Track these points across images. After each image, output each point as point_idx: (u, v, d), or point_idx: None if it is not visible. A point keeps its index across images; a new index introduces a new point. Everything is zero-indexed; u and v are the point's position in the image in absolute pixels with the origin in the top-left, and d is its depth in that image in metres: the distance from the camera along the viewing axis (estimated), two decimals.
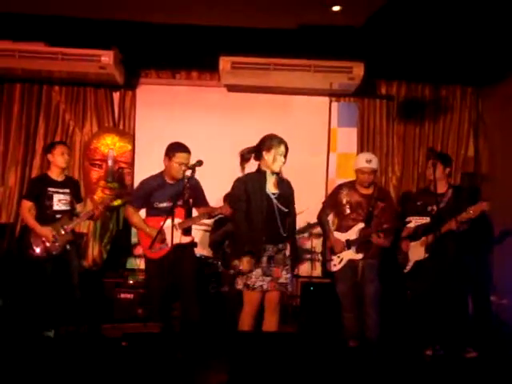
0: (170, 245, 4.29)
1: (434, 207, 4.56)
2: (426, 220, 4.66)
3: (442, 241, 4.51)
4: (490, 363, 4.71)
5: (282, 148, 4.17)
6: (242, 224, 4.13)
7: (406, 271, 4.95)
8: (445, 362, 4.53)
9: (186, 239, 4.64)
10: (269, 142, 4.20)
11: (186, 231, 4.69)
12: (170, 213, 4.23)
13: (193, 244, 4.85)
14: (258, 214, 4.08)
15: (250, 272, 4.06)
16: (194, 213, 4.89)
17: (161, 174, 4.71)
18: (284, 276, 4.12)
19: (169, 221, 4.26)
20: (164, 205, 4.58)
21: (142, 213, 4.81)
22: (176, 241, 4.40)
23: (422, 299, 4.89)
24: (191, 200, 4.64)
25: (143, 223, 4.67)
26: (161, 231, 4.31)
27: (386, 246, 4.88)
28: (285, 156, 4.20)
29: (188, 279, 4.66)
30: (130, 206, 4.81)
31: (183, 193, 4.30)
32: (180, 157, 4.56)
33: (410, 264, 4.92)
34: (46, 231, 4.96)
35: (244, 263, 4.06)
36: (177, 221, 4.45)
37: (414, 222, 4.65)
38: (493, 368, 4.59)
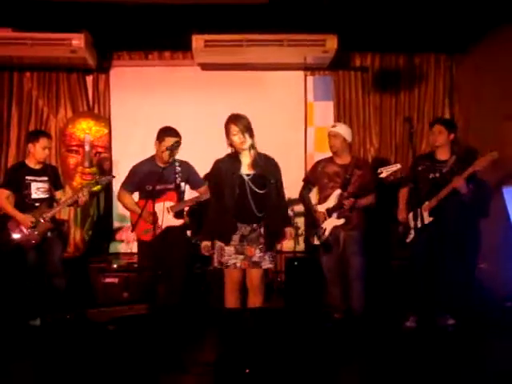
0: (162, 227, 4.53)
1: (437, 174, 4.63)
2: (397, 167, 4.61)
3: (442, 208, 4.62)
4: (469, 328, 4.79)
5: (233, 127, 3.98)
6: (212, 207, 4.13)
7: (407, 241, 4.92)
8: (426, 332, 4.60)
9: (177, 222, 4.76)
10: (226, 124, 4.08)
11: (178, 214, 4.79)
12: (159, 195, 4.50)
13: (185, 227, 4.94)
14: (229, 196, 4.02)
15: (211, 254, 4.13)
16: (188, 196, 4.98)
17: (152, 158, 4.81)
18: (257, 255, 4.04)
19: (160, 204, 4.48)
20: (156, 188, 4.58)
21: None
22: (168, 223, 4.62)
23: (413, 265, 4.89)
24: (183, 184, 4.79)
25: (136, 206, 4.76)
26: (152, 212, 4.41)
27: (363, 205, 4.84)
28: (246, 132, 3.99)
29: (178, 261, 4.75)
30: (122, 189, 4.89)
31: (174, 176, 4.45)
32: (169, 141, 4.58)
33: (412, 232, 4.88)
34: (24, 218, 4.93)
35: (202, 247, 4.12)
36: (169, 204, 4.69)
37: (385, 172, 4.60)
38: (472, 333, 4.68)
